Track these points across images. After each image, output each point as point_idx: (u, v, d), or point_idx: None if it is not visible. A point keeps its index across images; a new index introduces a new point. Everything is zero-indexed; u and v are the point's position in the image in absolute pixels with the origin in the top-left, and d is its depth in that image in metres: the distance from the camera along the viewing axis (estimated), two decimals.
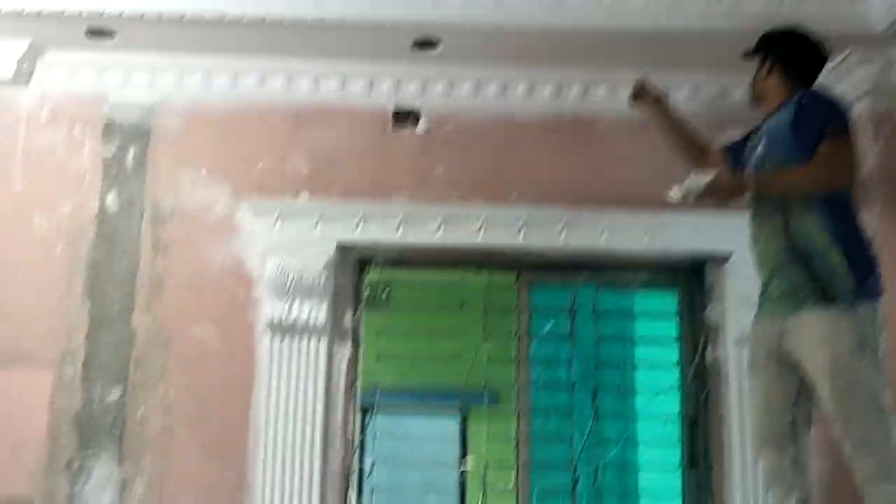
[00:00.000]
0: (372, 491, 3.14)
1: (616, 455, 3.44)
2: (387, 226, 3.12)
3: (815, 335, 2.29)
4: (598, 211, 3.10)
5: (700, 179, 2.34)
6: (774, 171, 2.40)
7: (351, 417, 3.16)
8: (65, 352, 3.16)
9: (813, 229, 2.32)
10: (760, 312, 2.48)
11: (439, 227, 3.11)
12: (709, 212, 3.02)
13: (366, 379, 3.22)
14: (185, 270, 3.20)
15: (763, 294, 2.47)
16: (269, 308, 3.12)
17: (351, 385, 3.17)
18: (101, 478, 3.08)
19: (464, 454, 4.48)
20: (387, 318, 3.29)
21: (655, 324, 3.31)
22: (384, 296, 3.33)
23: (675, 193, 2.39)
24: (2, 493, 3.07)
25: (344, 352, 3.17)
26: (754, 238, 2.48)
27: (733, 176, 2.43)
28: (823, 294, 2.30)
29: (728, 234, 3.04)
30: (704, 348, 3.15)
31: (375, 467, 3.15)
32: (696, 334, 3.19)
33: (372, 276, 3.26)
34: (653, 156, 3.11)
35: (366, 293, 3.25)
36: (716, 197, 2.41)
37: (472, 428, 3.50)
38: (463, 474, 3.15)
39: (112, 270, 3.21)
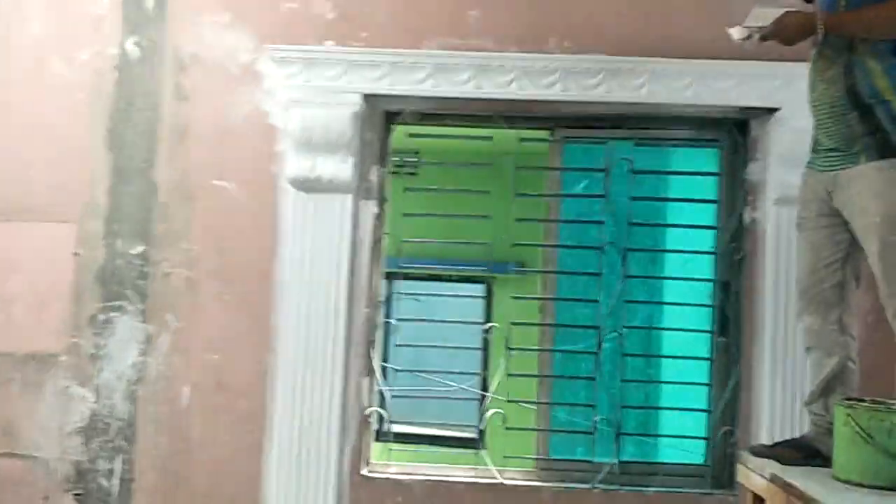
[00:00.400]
0: (395, 350, 3.12)
1: (644, 318, 3.39)
2: (415, 76, 2.96)
3: (868, 188, 2.16)
4: (640, 60, 2.92)
5: (765, 17, 2.17)
6: (850, 11, 2.21)
7: (376, 276, 3.11)
8: (87, 205, 3.11)
9: (878, 75, 2.16)
10: (811, 165, 2.35)
11: (470, 77, 2.95)
12: (756, 63, 2.90)
13: (391, 242, 3.14)
14: (208, 121, 3.09)
15: (816, 145, 2.33)
16: (294, 162, 3.02)
17: (376, 243, 3.10)
18: (126, 332, 3.09)
19: (490, 318, 4.52)
20: (414, 176, 3.19)
21: (694, 183, 3.19)
22: (413, 162, 3.22)
23: (737, 32, 2.24)
24: (27, 348, 3.09)
25: (369, 209, 3.09)
26: (812, 84, 2.32)
27: (804, 14, 2.24)
28: (881, 146, 2.15)
29: (776, 88, 2.90)
30: (743, 209, 3.03)
31: (400, 328, 3.11)
32: (736, 194, 3.06)
33: (399, 134, 3.13)
34: (700, 1, 2.93)
35: (392, 156, 3.13)
36: (782, 37, 2.25)
37: (499, 291, 3.46)
38: (487, 335, 3.08)
39: (133, 120, 3.11)
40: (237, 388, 3.05)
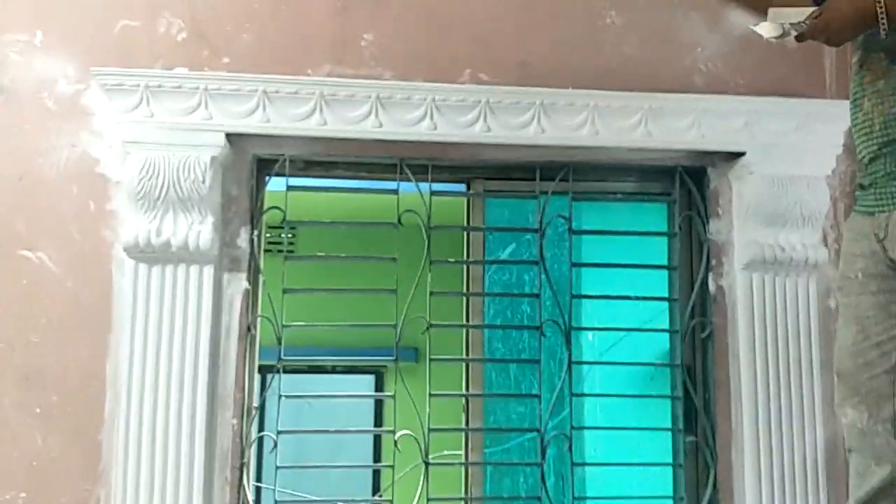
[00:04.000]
0: (278, 473, 2.33)
1: (581, 416, 2.76)
2: (297, 110, 2.28)
3: None
4: (579, 93, 2.35)
5: (787, 15, 1.64)
6: None
7: (248, 375, 2.35)
8: None
9: None
10: (857, 208, 1.83)
11: (369, 113, 2.30)
12: (716, 98, 2.41)
13: (267, 328, 2.38)
14: (16, 170, 2.30)
15: (864, 180, 1.81)
16: (132, 224, 2.26)
17: (247, 331, 2.35)
18: None
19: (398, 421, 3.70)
20: (298, 244, 2.47)
21: (645, 245, 2.61)
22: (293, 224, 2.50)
23: (768, 29, 1.71)
24: None
25: (238, 285, 2.34)
26: (855, 100, 1.81)
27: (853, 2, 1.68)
28: None
29: (739, 128, 2.39)
30: (706, 276, 2.47)
31: (281, 444, 2.33)
32: (695, 258, 2.51)
33: (274, 196, 2.42)
34: (649, 22, 2.44)
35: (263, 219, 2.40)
36: (828, 34, 1.72)
37: (412, 385, 2.78)
38: (397, 446, 2.34)
39: None
40: None
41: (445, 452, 2.49)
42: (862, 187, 1.82)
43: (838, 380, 1.79)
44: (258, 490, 2.47)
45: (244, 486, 2.29)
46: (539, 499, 2.34)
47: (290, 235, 5.20)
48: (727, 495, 2.37)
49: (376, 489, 4.31)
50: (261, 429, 2.41)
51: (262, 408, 2.39)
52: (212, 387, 2.27)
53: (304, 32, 2.40)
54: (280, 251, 4.69)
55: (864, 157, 1.80)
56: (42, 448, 2.23)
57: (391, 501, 2.33)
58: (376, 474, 4.56)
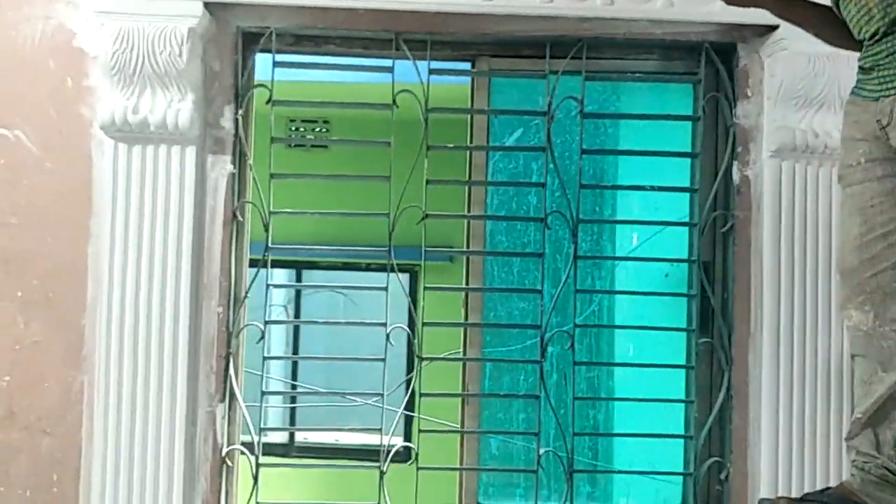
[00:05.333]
0: (263, 363, 2.24)
1: (600, 313, 2.60)
2: None
3: None
4: None
5: None
6: None
7: (235, 262, 2.24)
8: None
9: None
10: (857, 92, 1.65)
11: None
12: None
13: (256, 215, 2.26)
14: None
15: (865, 62, 1.63)
16: (109, 101, 2.13)
17: (233, 217, 2.23)
18: None
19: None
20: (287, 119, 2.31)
21: (663, 130, 2.39)
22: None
23: None
24: None
25: (223, 168, 2.21)
26: None
27: None
28: None
29: None
30: (731, 164, 2.25)
31: (270, 336, 2.24)
32: (720, 145, 2.28)
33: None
34: None
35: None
36: None
37: (413, 282, 2.66)
38: (389, 340, 2.22)
39: None
40: (37, 420, 2.16)
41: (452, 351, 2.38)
42: (862, 70, 1.64)
43: (841, 278, 1.63)
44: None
45: (230, 376, 2.21)
46: (538, 397, 2.21)
47: (324, 129, 5.09)
48: (741, 401, 2.22)
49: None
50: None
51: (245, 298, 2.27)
52: (196, 273, 2.18)
53: None
54: (314, 146, 4.69)
55: (864, 37, 1.62)
56: (24, 332, 2.18)
57: (382, 395, 2.23)
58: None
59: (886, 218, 1.54)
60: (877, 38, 1.59)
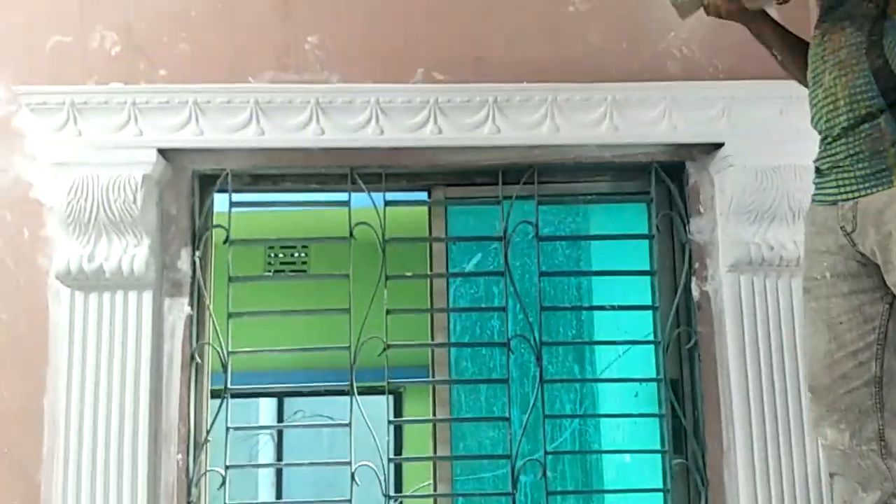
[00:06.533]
0: None
1: (571, 438, 2.54)
2: (232, 120, 2.14)
3: None
4: (536, 87, 2.16)
5: None
6: None
7: (192, 407, 2.19)
8: None
9: None
10: (818, 198, 1.61)
11: (310, 119, 2.14)
12: (687, 85, 2.21)
13: (214, 352, 2.22)
14: None
15: (823, 163, 1.59)
16: (63, 250, 2.13)
17: (192, 359, 2.20)
18: None
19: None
20: (246, 255, 2.31)
21: (620, 251, 2.40)
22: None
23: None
24: None
25: (180, 311, 2.20)
26: (815, 74, 1.60)
27: None
28: None
29: (715, 117, 2.18)
30: (689, 281, 2.25)
31: (231, 479, 2.17)
32: (677, 262, 2.29)
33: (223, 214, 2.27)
34: (617, 6, 2.26)
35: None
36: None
37: (371, 412, 2.60)
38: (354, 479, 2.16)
39: None
40: None
41: (424, 484, 2.31)
42: (820, 172, 1.60)
43: (812, 396, 1.57)
44: None
45: None
46: None
47: (302, 255, 5.11)
48: None
49: None
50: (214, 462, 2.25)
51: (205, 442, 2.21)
52: (154, 420, 2.13)
53: (245, 39, 2.26)
54: (293, 271, 4.69)
55: (825, 138, 1.58)
56: None
57: None
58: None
59: (855, 335, 1.50)
60: (835, 137, 1.54)
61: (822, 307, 1.54)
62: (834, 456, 1.52)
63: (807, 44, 1.69)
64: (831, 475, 1.55)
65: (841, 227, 1.52)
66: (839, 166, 1.54)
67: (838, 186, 1.54)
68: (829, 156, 1.57)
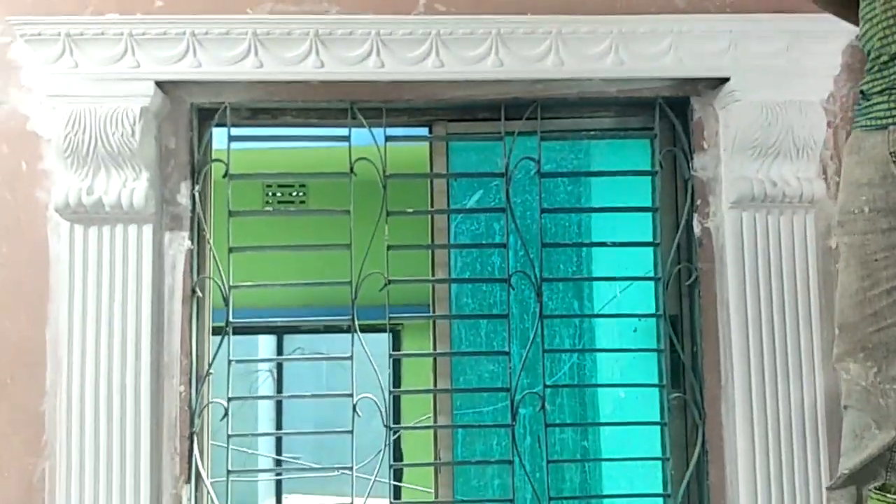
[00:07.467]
0: (227, 440, 2.19)
1: (569, 373, 2.57)
2: (230, 52, 2.10)
3: None
4: (540, 19, 2.12)
5: None
6: None
7: (196, 339, 2.20)
8: None
9: None
10: (861, 122, 1.50)
11: (309, 51, 2.11)
12: (694, 17, 2.17)
13: (216, 289, 2.22)
14: None
15: (874, 85, 1.48)
16: (62, 183, 2.12)
17: (192, 293, 2.20)
18: None
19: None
20: (245, 193, 2.29)
21: (622, 186, 2.38)
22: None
23: None
24: None
25: (180, 245, 2.19)
26: None
27: None
28: None
29: (722, 51, 2.15)
30: (691, 217, 2.25)
31: (233, 412, 2.19)
32: (679, 198, 2.28)
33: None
34: None
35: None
36: None
37: (372, 347, 2.64)
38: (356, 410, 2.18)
39: None
40: None
41: (424, 417, 2.34)
42: (866, 96, 1.49)
43: (840, 332, 1.52)
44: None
45: (195, 456, 2.16)
46: (511, 462, 2.17)
47: (300, 194, 5.08)
48: (717, 456, 2.18)
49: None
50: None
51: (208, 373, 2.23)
52: (156, 353, 2.14)
53: None
54: (292, 208, 4.67)
55: (880, 56, 1.46)
56: None
57: (351, 469, 2.18)
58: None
59: (892, 273, 1.43)
60: (893, 55, 1.43)
61: (856, 242, 1.47)
62: (854, 391, 1.49)
63: None
64: (845, 407, 1.52)
65: (890, 154, 1.42)
66: (894, 88, 1.42)
67: (890, 109, 1.43)
68: (881, 78, 1.46)
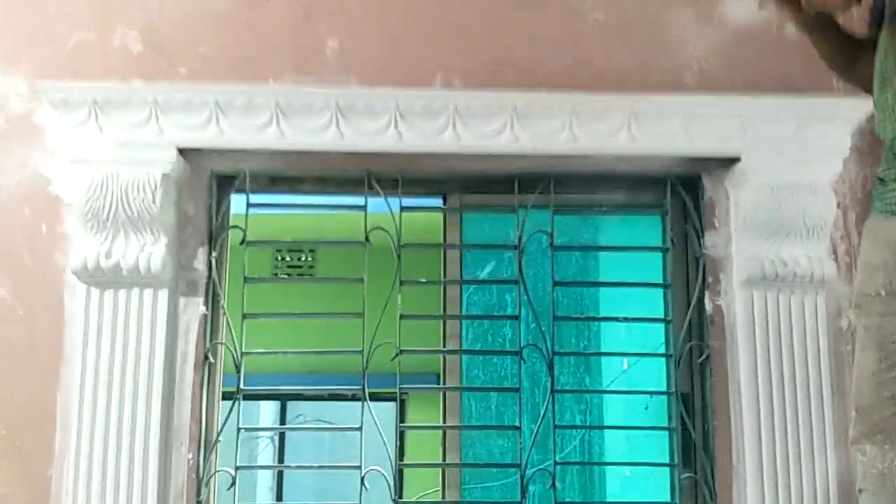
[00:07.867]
0: None
1: (579, 448, 2.55)
2: (254, 121, 2.14)
3: None
4: (557, 96, 2.17)
5: None
6: None
7: (204, 406, 2.20)
8: None
9: None
10: (879, 207, 1.54)
11: (330, 122, 2.15)
12: (706, 98, 2.22)
13: (228, 352, 2.23)
14: None
15: (888, 172, 1.53)
16: (81, 247, 2.14)
17: (205, 359, 2.20)
18: None
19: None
20: (253, 257, 2.31)
21: (634, 262, 2.40)
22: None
23: None
24: None
25: (195, 310, 2.20)
26: (886, 73, 1.53)
27: None
28: None
29: (733, 131, 2.18)
30: (702, 294, 2.26)
31: (239, 479, 2.17)
32: (690, 275, 2.30)
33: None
34: (636, 19, 2.27)
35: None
36: None
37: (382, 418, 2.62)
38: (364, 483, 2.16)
39: None
40: None
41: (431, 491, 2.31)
42: (883, 182, 1.53)
43: (857, 414, 1.52)
44: None
45: None
46: None
47: (309, 259, 5.11)
48: None
49: None
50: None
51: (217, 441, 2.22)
52: (166, 418, 2.13)
53: (266, 41, 2.28)
54: (300, 274, 4.69)
55: (894, 144, 1.51)
56: None
57: None
58: None
59: None
60: None
61: (873, 324, 1.49)
62: (870, 474, 1.48)
63: (859, 42, 1.65)
64: (860, 490, 1.51)
65: None
66: None
67: None
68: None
